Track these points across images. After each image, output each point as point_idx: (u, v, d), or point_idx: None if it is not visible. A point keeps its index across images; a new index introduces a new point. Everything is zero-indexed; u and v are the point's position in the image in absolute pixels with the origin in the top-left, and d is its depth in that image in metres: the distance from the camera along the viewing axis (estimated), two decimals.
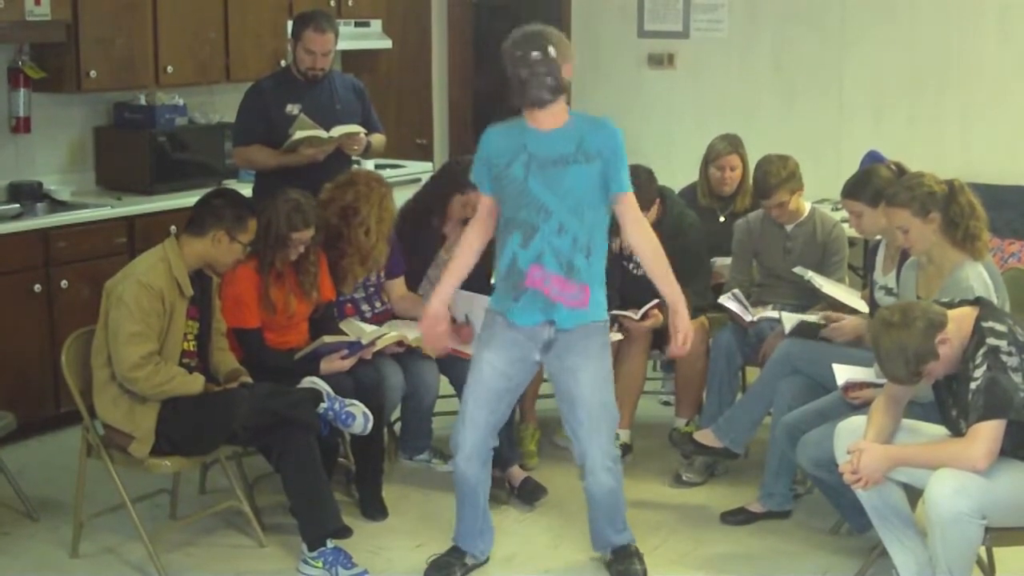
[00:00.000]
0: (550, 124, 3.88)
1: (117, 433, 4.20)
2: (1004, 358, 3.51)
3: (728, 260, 5.43)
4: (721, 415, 4.88)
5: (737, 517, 4.68)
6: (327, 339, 4.56)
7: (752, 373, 5.18)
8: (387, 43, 7.34)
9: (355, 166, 5.56)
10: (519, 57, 3.78)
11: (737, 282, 5.25)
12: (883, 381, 3.81)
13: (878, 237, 4.62)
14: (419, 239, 5.16)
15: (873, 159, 5.55)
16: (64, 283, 5.44)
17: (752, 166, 5.43)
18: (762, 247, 5.26)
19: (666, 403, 5.87)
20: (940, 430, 3.81)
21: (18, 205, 5.62)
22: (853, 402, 4.25)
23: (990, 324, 3.57)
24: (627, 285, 5.07)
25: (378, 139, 5.52)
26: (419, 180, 6.45)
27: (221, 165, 6.29)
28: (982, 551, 3.80)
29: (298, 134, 5.14)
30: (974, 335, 3.59)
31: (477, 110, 8.09)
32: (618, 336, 4.96)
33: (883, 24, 6.85)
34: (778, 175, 5.03)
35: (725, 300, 5.01)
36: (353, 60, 7.34)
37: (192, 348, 4.31)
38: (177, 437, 4.16)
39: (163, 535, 4.45)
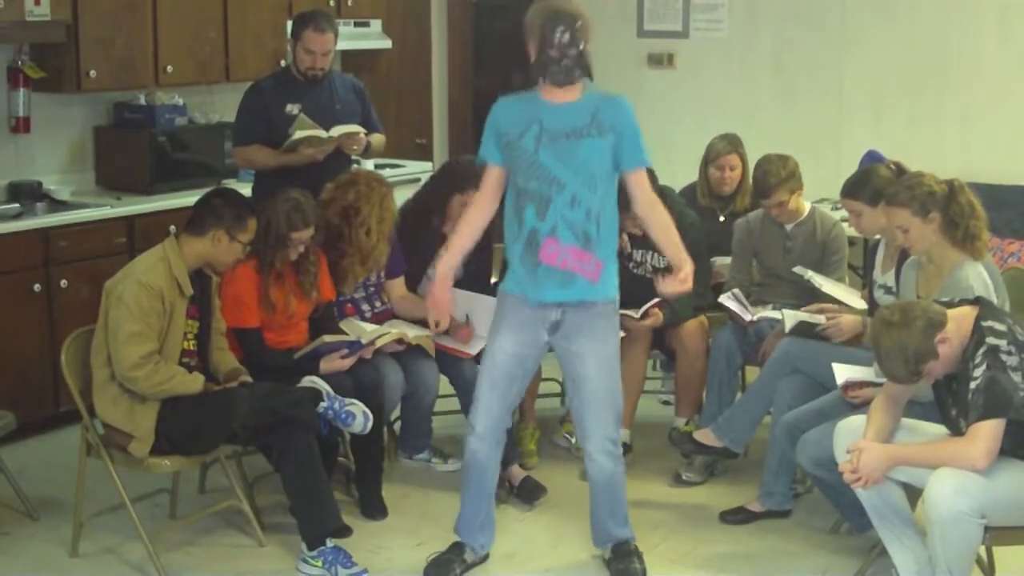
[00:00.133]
0: (565, 98, 3.91)
1: (117, 432, 4.20)
2: (1004, 357, 3.51)
3: (728, 260, 5.43)
4: (721, 414, 4.88)
5: (737, 516, 4.68)
6: (327, 338, 4.56)
7: (752, 373, 5.18)
8: (387, 43, 7.34)
9: (355, 166, 5.56)
10: (547, 34, 3.81)
11: (737, 282, 5.25)
12: (883, 380, 3.81)
13: (877, 236, 4.62)
14: (419, 239, 5.16)
15: (872, 159, 5.55)
16: (64, 283, 5.45)
17: (752, 166, 5.43)
18: (762, 247, 5.27)
19: (666, 403, 5.87)
20: (940, 429, 3.81)
21: (18, 205, 5.62)
22: (853, 401, 4.25)
23: (990, 323, 3.57)
24: (627, 284, 5.05)
25: (378, 139, 5.52)
26: (419, 180, 6.45)
27: (221, 165, 6.29)
28: (982, 550, 3.80)
29: (298, 134, 5.14)
30: (974, 334, 3.59)
31: (477, 110, 8.07)
32: (620, 334, 4.95)
33: (883, 24, 6.85)
34: (778, 174, 5.03)
35: (725, 300, 5.01)
36: (353, 60, 7.34)
37: (192, 347, 4.31)
38: (177, 436, 4.16)
39: (163, 535, 4.45)
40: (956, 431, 3.69)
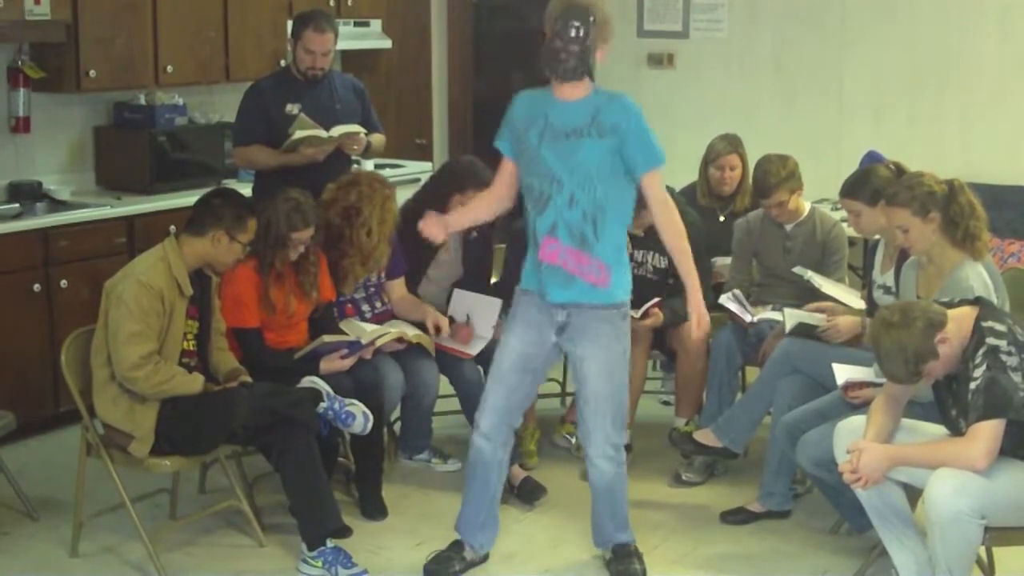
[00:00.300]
0: (571, 95, 3.90)
1: (117, 433, 4.20)
2: (1004, 358, 3.51)
3: (728, 260, 5.43)
4: (721, 415, 4.88)
5: (737, 517, 4.68)
6: (327, 339, 4.56)
7: (752, 373, 5.18)
8: (387, 43, 7.34)
9: (355, 166, 5.56)
10: (558, 26, 3.81)
11: (737, 282, 5.25)
12: (883, 380, 3.81)
13: (877, 236, 4.62)
14: (419, 239, 5.15)
15: (872, 159, 5.55)
16: (64, 283, 5.44)
17: (752, 166, 5.43)
18: (762, 247, 5.27)
19: (666, 403, 5.87)
20: (940, 430, 3.81)
21: (18, 205, 5.62)
22: (853, 401, 4.25)
23: (990, 324, 3.57)
24: None
25: (378, 139, 5.52)
26: (419, 180, 6.45)
27: (221, 165, 6.29)
28: (982, 551, 3.80)
29: (298, 134, 5.14)
30: (974, 335, 3.59)
31: (477, 110, 8.09)
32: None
33: (883, 24, 6.85)
34: (778, 174, 5.03)
35: (725, 300, 5.01)
36: (353, 60, 7.34)
37: (192, 348, 4.31)
38: (177, 436, 4.16)
39: (163, 535, 4.45)
40: (956, 431, 3.69)
